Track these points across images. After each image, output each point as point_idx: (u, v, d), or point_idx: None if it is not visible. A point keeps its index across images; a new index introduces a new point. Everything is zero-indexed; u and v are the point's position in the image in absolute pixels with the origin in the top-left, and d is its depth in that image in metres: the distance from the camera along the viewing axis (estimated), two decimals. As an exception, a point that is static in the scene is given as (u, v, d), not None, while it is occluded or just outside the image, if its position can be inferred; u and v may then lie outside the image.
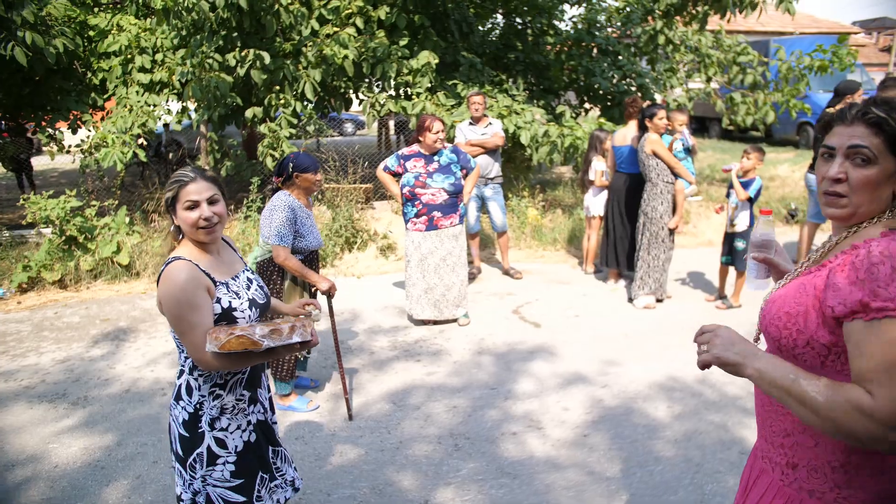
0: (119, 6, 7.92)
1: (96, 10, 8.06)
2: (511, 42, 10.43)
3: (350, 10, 7.61)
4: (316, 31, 7.65)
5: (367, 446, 3.60)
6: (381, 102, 7.73)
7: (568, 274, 6.69)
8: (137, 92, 7.53)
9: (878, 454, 1.34)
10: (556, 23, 10.38)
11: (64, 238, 6.71)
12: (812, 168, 6.23)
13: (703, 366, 1.42)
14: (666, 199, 5.34)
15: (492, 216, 6.47)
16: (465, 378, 4.36)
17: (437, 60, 7.62)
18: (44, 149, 7.73)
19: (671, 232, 5.43)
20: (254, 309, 2.25)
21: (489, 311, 5.66)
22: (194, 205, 2.14)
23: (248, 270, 2.39)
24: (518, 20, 10.41)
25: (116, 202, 7.16)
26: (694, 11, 8.58)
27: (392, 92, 8.13)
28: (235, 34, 7.16)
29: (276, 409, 2.61)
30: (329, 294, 3.80)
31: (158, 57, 7.73)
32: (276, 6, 6.87)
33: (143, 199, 7.63)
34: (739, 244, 5.33)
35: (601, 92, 9.35)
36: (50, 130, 7.65)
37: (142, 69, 7.59)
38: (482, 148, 6.15)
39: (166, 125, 8.70)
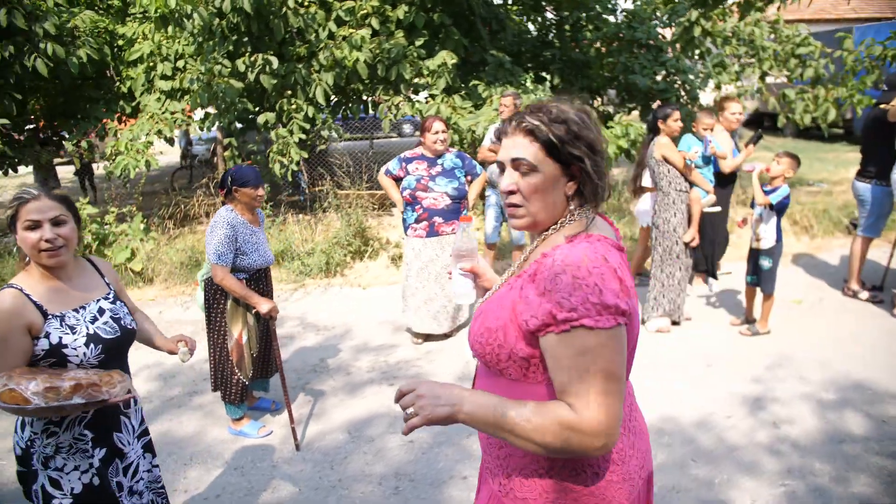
0: (146, 15, 7.99)
1: (127, 19, 8.17)
2: (548, 39, 9.93)
3: (365, 11, 7.36)
4: (333, 33, 7.45)
5: (304, 482, 3.30)
6: (397, 105, 7.44)
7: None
8: (158, 99, 7.56)
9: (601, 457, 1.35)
10: (607, 16, 9.79)
11: (82, 245, 6.81)
12: (860, 175, 5.45)
13: (409, 431, 1.31)
14: (679, 209, 4.77)
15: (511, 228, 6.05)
16: (434, 408, 3.99)
17: (454, 60, 7.26)
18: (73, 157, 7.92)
19: (687, 246, 4.86)
20: (93, 346, 2.03)
21: (486, 330, 5.26)
22: (35, 225, 1.96)
23: (107, 298, 2.17)
24: (554, 16, 9.88)
25: (135, 208, 7.22)
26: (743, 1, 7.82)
27: (409, 94, 7.84)
28: (246, 39, 7.06)
29: (154, 453, 2.37)
30: (270, 316, 3.54)
31: (180, 64, 7.74)
32: (284, 9, 6.70)
33: (161, 205, 7.67)
34: (765, 262, 4.70)
35: (641, 90, 8.70)
36: (66, 138, 7.85)
37: (163, 76, 7.62)
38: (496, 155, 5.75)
39: (184, 131, 8.73)
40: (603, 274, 1.23)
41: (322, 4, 7.59)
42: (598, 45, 9.54)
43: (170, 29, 7.05)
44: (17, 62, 6.71)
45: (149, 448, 2.34)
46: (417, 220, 4.80)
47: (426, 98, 7.63)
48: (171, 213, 7.39)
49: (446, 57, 7.25)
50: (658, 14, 9.47)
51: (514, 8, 11.08)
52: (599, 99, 10.22)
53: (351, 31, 7.25)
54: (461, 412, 1.29)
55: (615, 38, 9.43)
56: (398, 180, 4.94)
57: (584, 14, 9.60)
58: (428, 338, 5.07)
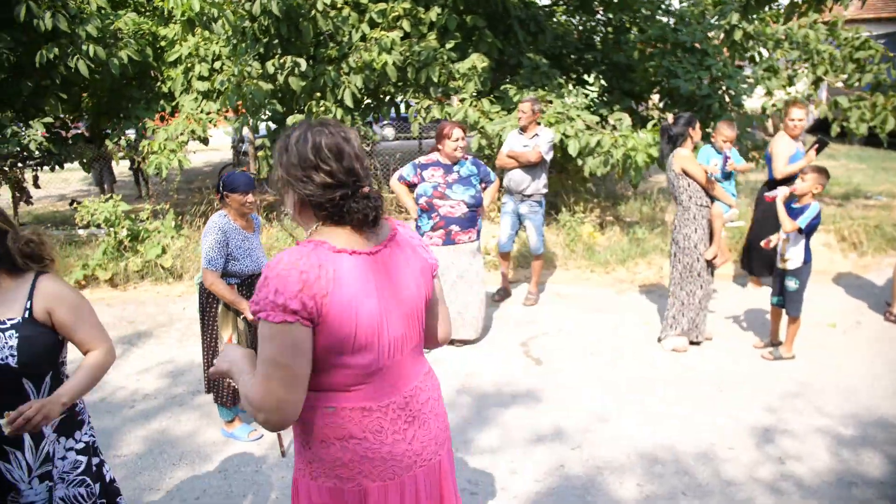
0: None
1: (170, 22, 8.39)
2: (591, 41, 9.68)
3: (397, 13, 7.34)
4: (365, 35, 7.46)
5: (282, 490, 3.29)
6: (427, 108, 7.39)
7: (608, 301, 5.96)
8: (195, 99, 7.74)
9: (321, 429, 1.55)
10: (659, 17, 9.46)
11: (116, 240, 7.04)
12: None
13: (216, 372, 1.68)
14: (700, 224, 4.53)
15: (528, 237, 5.91)
16: (425, 421, 3.90)
17: (484, 64, 7.15)
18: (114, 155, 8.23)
19: (709, 264, 4.61)
20: None
21: (495, 340, 5.13)
22: None
23: (13, 320, 1.96)
24: (598, 16, 9.62)
25: (168, 206, 7.41)
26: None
27: (439, 97, 7.77)
28: (276, 41, 7.14)
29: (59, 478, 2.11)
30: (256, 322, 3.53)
31: (217, 65, 7.91)
32: (313, 12, 6.74)
33: (193, 203, 7.86)
34: (791, 284, 4.40)
35: (682, 95, 8.36)
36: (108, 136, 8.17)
37: (200, 77, 7.80)
38: (516, 161, 5.62)
39: (237, 129, 8.89)
40: (285, 276, 1.42)
41: (355, 6, 7.61)
42: (641, 47, 9.23)
43: (199, 31, 7.20)
44: (61, 63, 6.99)
45: (48, 475, 2.07)
46: (433, 228, 4.72)
47: (456, 101, 7.54)
48: (204, 211, 7.54)
49: (476, 60, 7.14)
50: (707, 16, 9.09)
51: (561, 8, 10.88)
52: (644, 104, 9.91)
53: (382, 33, 7.24)
54: (231, 371, 1.63)
55: (660, 39, 9.11)
56: (412, 186, 4.88)
57: (629, 15, 9.29)
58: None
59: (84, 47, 6.93)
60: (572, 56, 9.58)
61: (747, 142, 7.90)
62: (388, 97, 8.22)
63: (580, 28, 9.96)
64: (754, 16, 8.26)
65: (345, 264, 1.48)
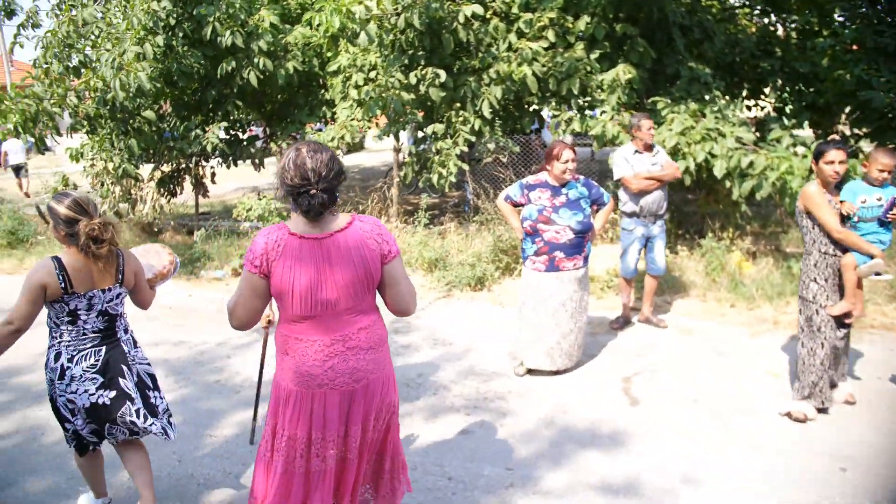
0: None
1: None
2: (769, 47, 8.70)
3: (543, 23, 7.18)
4: (512, 45, 7.40)
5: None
6: (568, 120, 7.15)
7: (739, 343, 5.33)
8: (350, 107, 8.23)
9: (279, 345, 2.37)
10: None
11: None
12: None
13: None
14: (822, 274, 3.85)
15: (655, 257, 5.52)
16: (492, 450, 3.79)
17: (629, 75, 6.74)
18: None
19: (838, 321, 3.89)
20: None
21: (595, 371, 4.83)
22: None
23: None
24: (777, 19, 8.62)
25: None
26: None
27: (580, 109, 7.48)
28: (420, 53, 7.33)
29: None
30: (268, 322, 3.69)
31: (372, 75, 8.33)
32: (455, 24, 6.82)
33: (354, 202, 8.40)
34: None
35: (875, 109, 7.20)
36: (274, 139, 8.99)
37: (356, 86, 8.27)
38: (658, 182, 5.26)
39: (409, 132, 9.36)
40: (256, 243, 2.24)
41: (504, 17, 7.58)
42: (833, 52, 8.11)
43: (341, 43, 7.63)
44: (237, 75, 7.82)
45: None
46: (537, 253, 4.56)
47: (599, 114, 7.21)
48: (361, 210, 8.02)
49: (621, 71, 6.76)
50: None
51: (744, 11, 9.94)
52: (833, 119, 8.72)
53: (526, 43, 7.13)
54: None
55: (856, 42, 7.94)
56: (519, 207, 4.74)
57: (814, 18, 8.22)
58: (534, 370, 4.83)
59: (256, 60, 7.68)
60: (744, 65, 8.69)
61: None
62: (530, 108, 8.08)
63: (759, 34, 8.99)
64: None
65: (292, 242, 2.23)
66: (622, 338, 5.50)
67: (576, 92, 6.94)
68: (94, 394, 2.77)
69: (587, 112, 7.59)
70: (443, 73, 6.98)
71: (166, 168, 9.05)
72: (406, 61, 7.36)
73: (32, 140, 7.49)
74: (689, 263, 6.80)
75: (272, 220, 7.62)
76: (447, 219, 8.32)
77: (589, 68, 7.02)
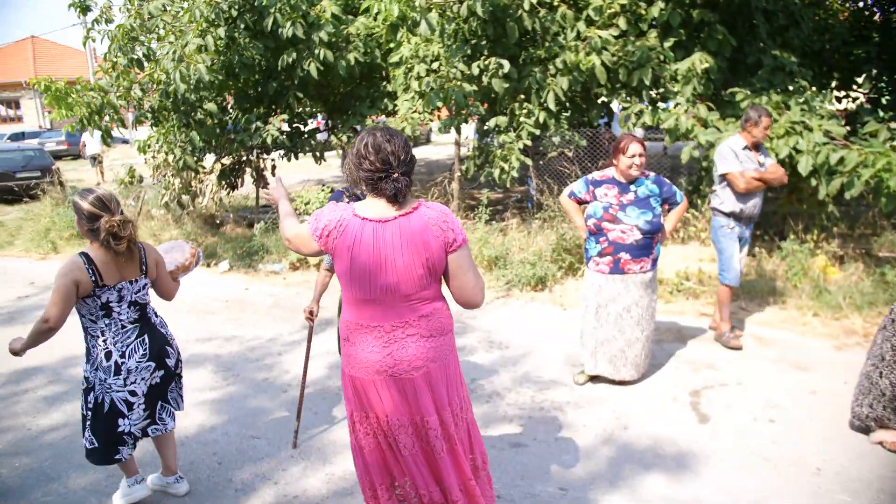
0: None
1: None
2: (865, 33, 8.00)
3: (614, 10, 6.78)
4: (580, 34, 7.04)
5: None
6: (638, 113, 6.74)
7: (821, 357, 4.85)
8: (412, 98, 8.05)
9: (342, 330, 2.44)
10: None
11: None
12: None
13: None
14: None
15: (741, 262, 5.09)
16: (545, 467, 3.53)
17: (706, 65, 6.27)
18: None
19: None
20: None
21: (663, 384, 4.49)
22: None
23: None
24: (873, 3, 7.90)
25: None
26: None
27: (651, 100, 7.04)
28: (484, 42, 7.06)
29: None
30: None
31: (435, 65, 8.12)
32: (520, 12, 6.52)
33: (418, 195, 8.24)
34: None
35: None
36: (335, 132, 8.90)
37: (418, 77, 8.08)
38: (764, 184, 4.82)
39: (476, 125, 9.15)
40: (323, 215, 2.30)
41: (572, 4, 7.22)
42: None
43: (401, 33, 7.42)
44: (298, 66, 7.76)
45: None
46: (601, 254, 4.25)
47: (673, 106, 6.77)
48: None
49: (697, 60, 6.30)
50: None
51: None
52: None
53: (595, 31, 6.76)
54: (280, 203, 2.65)
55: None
56: (584, 204, 4.44)
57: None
58: (596, 379, 4.53)
59: (316, 51, 7.61)
60: (837, 53, 8.03)
61: None
62: (598, 99, 7.70)
63: (852, 19, 8.29)
64: None
65: (354, 223, 2.24)
66: (692, 347, 5.11)
67: (647, 82, 6.52)
68: (150, 377, 2.98)
69: (659, 104, 7.15)
70: (506, 64, 6.70)
71: (227, 161, 9.14)
72: (468, 51, 7.11)
73: (100, 132, 7.66)
74: (767, 267, 6.30)
75: (330, 213, 7.55)
76: (509, 215, 8.04)
77: (662, 57, 6.58)
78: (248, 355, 5.22)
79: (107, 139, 7.89)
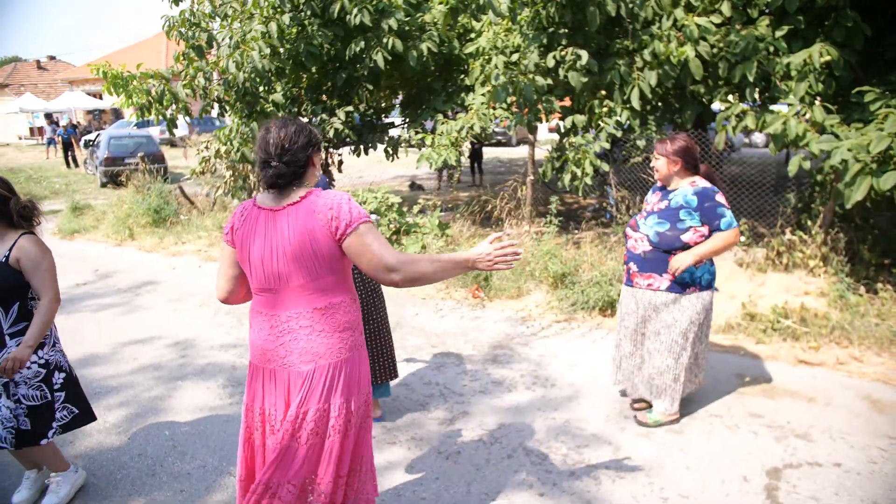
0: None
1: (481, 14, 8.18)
2: None
3: (716, -8, 5.78)
4: (677, 21, 6.09)
5: None
6: (739, 115, 5.71)
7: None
8: (487, 93, 7.41)
9: (249, 317, 2.41)
10: None
11: (389, 229, 7.20)
12: None
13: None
14: None
15: None
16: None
17: (827, 58, 5.15)
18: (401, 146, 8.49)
19: None
20: None
21: (730, 456, 3.58)
22: None
23: None
24: None
25: (436, 202, 7.29)
26: None
27: (751, 101, 5.96)
28: (562, 31, 6.25)
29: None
30: None
31: (515, 57, 7.42)
32: (601, -6, 5.68)
33: (467, 201, 7.58)
34: None
35: None
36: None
37: (495, 69, 7.41)
38: None
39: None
40: (231, 217, 2.38)
41: (669, -13, 6.27)
42: None
43: (503, 22, 6.77)
44: (366, 56, 7.32)
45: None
46: (625, 263, 3.88)
47: (787, 107, 5.68)
48: (474, 210, 7.24)
49: (816, 52, 5.20)
50: None
51: None
52: None
53: (694, 18, 5.80)
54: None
55: None
56: None
57: None
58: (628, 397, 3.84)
59: (385, 40, 7.13)
60: None
61: None
62: (696, 98, 6.68)
63: None
64: None
65: (252, 213, 2.29)
66: (782, 406, 4.12)
67: (751, 78, 5.49)
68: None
69: (769, 105, 6.06)
70: (584, 55, 5.89)
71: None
72: (544, 41, 6.35)
73: (164, 120, 7.58)
74: (893, 308, 5.12)
75: (390, 214, 7.07)
76: (585, 227, 7.21)
77: (772, 49, 5.52)
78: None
79: (171, 128, 7.82)
